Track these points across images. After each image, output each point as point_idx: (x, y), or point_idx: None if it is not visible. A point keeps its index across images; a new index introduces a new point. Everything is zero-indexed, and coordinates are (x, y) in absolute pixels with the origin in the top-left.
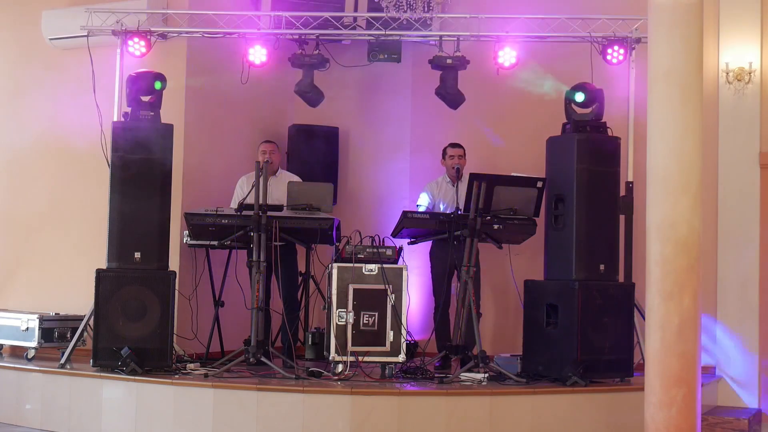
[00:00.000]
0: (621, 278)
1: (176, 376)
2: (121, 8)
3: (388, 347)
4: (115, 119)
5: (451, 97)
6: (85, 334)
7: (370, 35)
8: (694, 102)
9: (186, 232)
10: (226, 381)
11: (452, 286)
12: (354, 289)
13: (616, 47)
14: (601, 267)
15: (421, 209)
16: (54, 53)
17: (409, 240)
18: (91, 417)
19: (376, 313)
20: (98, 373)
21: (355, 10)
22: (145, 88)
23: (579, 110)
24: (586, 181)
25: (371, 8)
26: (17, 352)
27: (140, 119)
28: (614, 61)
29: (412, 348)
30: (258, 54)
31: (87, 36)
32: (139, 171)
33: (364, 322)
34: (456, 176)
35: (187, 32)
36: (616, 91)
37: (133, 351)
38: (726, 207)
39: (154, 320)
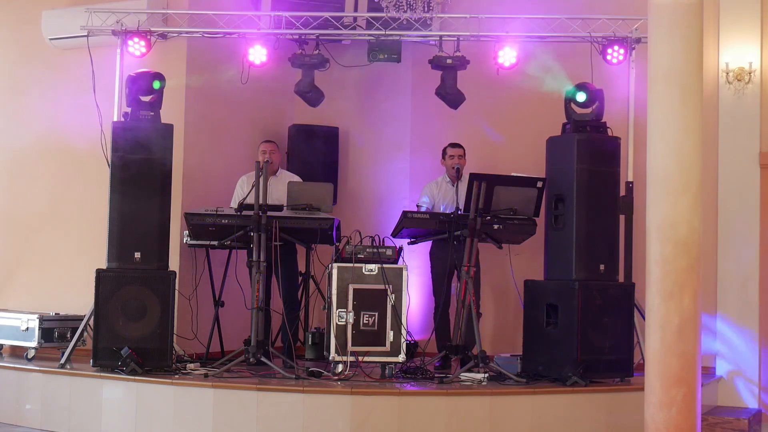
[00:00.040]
0: (621, 278)
1: (176, 376)
2: (121, 8)
3: (388, 347)
4: (115, 119)
5: (451, 97)
6: (85, 334)
7: (370, 35)
8: (694, 102)
9: (186, 232)
10: (226, 381)
11: (452, 286)
12: (354, 289)
13: (616, 47)
14: (601, 267)
15: (422, 209)
16: (54, 53)
17: (409, 240)
18: (91, 417)
19: (376, 313)
20: (98, 373)
21: (355, 10)
22: (145, 88)
23: (579, 110)
24: (586, 181)
25: (371, 8)
26: (17, 352)
27: (140, 119)
28: (614, 61)
29: (412, 348)
30: (258, 54)
31: (87, 36)
32: (139, 171)
33: (364, 322)
34: (456, 176)
35: (187, 32)
36: (616, 91)
37: (133, 351)
38: (726, 207)
39: (154, 320)
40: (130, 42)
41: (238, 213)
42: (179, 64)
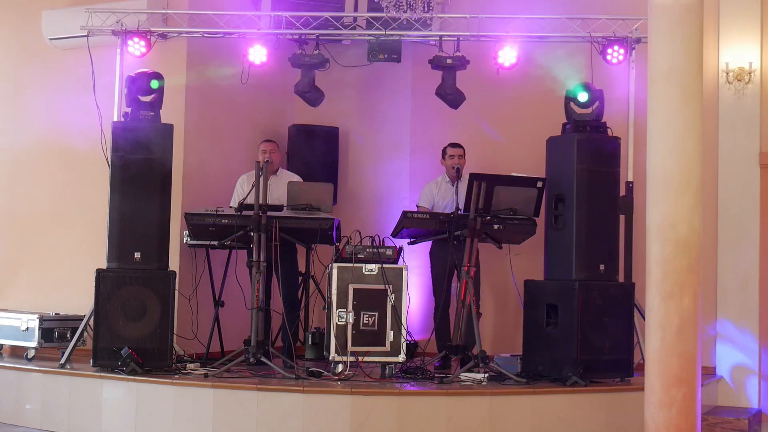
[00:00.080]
0: (621, 278)
1: (176, 376)
2: (121, 8)
3: (388, 347)
4: (115, 119)
5: (451, 97)
6: (85, 334)
7: (370, 35)
8: (694, 102)
9: (186, 232)
10: (226, 381)
11: (452, 286)
12: (354, 289)
13: (616, 47)
14: (601, 267)
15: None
16: (54, 53)
17: (409, 240)
18: (91, 417)
19: (376, 313)
20: (98, 373)
21: (355, 10)
22: (144, 88)
23: (579, 110)
24: (586, 181)
25: (371, 8)
26: (17, 352)
27: (140, 119)
28: (614, 61)
29: (412, 348)
30: (258, 54)
31: (87, 36)
32: (139, 171)
33: (364, 322)
34: (456, 176)
35: (187, 32)
36: (616, 91)
37: (133, 351)
38: (726, 207)
39: (154, 320)
40: (130, 42)
41: (238, 213)
42: (179, 64)
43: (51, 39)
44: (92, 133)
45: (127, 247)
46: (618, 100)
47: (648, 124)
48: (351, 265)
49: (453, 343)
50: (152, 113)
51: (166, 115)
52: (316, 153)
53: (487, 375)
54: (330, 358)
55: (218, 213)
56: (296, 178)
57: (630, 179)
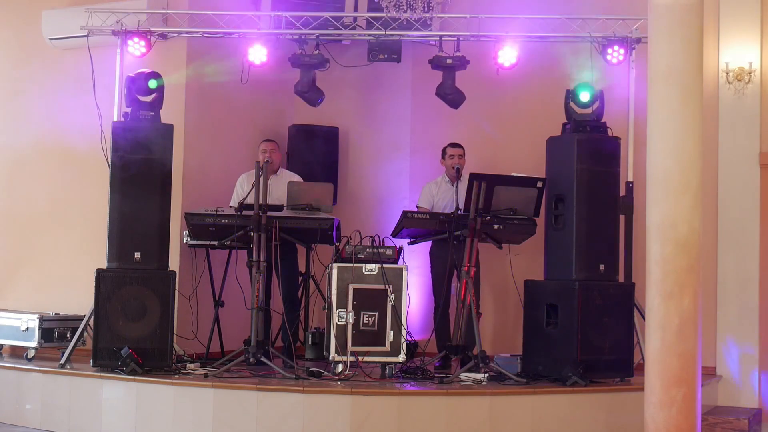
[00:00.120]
0: (621, 278)
1: (176, 376)
2: (121, 8)
3: (388, 347)
4: (115, 119)
5: (451, 96)
6: (85, 334)
7: (370, 35)
8: (694, 102)
9: (186, 232)
10: (226, 381)
11: (452, 286)
12: (354, 289)
13: (616, 47)
14: (601, 267)
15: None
16: (54, 53)
17: (409, 240)
18: (91, 417)
19: (376, 313)
20: (98, 373)
21: (355, 10)
22: (143, 88)
23: (579, 110)
24: (586, 181)
25: (371, 8)
26: (17, 352)
27: (140, 119)
28: (614, 61)
29: (412, 348)
30: (258, 54)
31: (87, 36)
32: (139, 171)
33: (364, 322)
34: (456, 176)
35: (187, 32)
36: (616, 91)
37: (133, 351)
38: (726, 207)
39: (154, 320)
40: (130, 42)
41: (238, 213)
42: (179, 64)
43: (51, 39)
44: (92, 133)
45: (127, 247)
46: (618, 100)
47: (648, 124)
48: (351, 265)
49: (453, 343)
50: (152, 113)
51: (166, 115)
52: (316, 153)
53: (487, 375)
54: (330, 358)
55: (218, 213)
56: (296, 177)
57: (630, 179)
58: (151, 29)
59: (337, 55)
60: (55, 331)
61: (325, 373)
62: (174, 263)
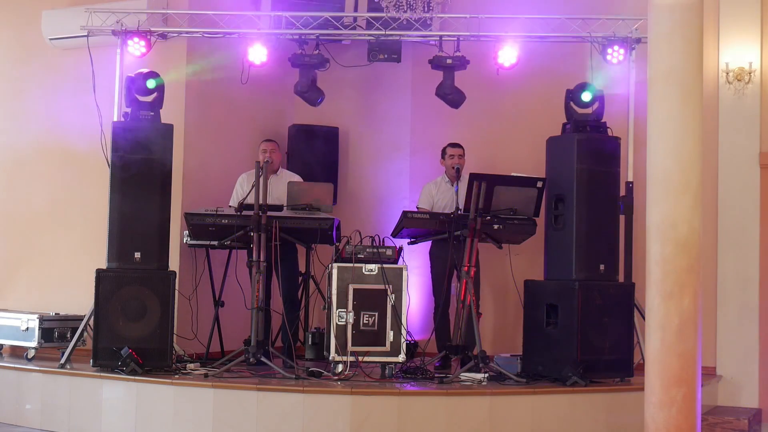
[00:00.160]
0: (621, 278)
1: (176, 376)
2: (121, 8)
3: (388, 347)
4: (115, 119)
5: (451, 96)
6: (85, 334)
7: (370, 35)
8: (694, 102)
9: (186, 232)
10: (226, 381)
11: (452, 286)
12: (354, 289)
13: (616, 47)
14: (601, 267)
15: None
16: (54, 53)
17: (409, 240)
18: (91, 417)
19: (376, 313)
20: (98, 373)
21: (355, 10)
22: (142, 88)
23: (580, 110)
24: (586, 181)
25: (371, 8)
26: (17, 352)
27: (140, 119)
28: (614, 61)
29: (412, 348)
30: (258, 54)
31: (87, 36)
32: (139, 171)
33: (364, 322)
34: (456, 176)
35: (187, 32)
36: (616, 91)
37: (133, 351)
38: (726, 207)
39: (154, 320)
40: (130, 42)
41: (238, 213)
42: (179, 64)
43: (51, 39)
44: (92, 133)
45: (127, 247)
46: (618, 100)
47: (648, 124)
48: (351, 265)
49: (453, 343)
50: (152, 113)
51: (166, 115)
52: (316, 153)
53: (487, 375)
54: (330, 358)
55: (218, 213)
56: (296, 177)
57: (630, 179)
58: (151, 29)
59: (337, 55)
60: (55, 331)
61: (325, 373)
62: (174, 263)
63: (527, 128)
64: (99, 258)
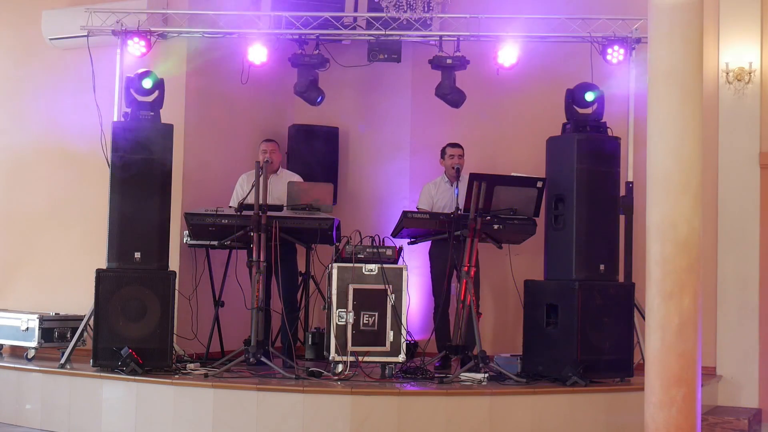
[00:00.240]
0: (621, 278)
1: (176, 376)
2: (121, 8)
3: (388, 347)
4: (115, 119)
5: (451, 96)
6: (85, 334)
7: (370, 35)
8: (694, 102)
9: (186, 232)
10: (226, 381)
11: (452, 286)
12: (354, 289)
13: (616, 47)
14: (601, 267)
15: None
16: (54, 53)
17: (409, 240)
18: (91, 417)
19: (376, 313)
20: (98, 373)
21: (355, 10)
22: (141, 89)
23: (581, 110)
24: (586, 181)
25: (371, 8)
26: (17, 352)
27: (140, 119)
28: (614, 61)
29: (412, 348)
30: (258, 54)
31: (87, 36)
32: (139, 171)
33: (364, 322)
34: (455, 176)
35: (187, 32)
36: (616, 91)
37: (133, 351)
38: (726, 207)
39: (154, 320)
40: (130, 42)
41: (238, 213)
42: (179, 64)
43: (51, 39)
44: (92, 133)
45: (127, 247)
46: (618, 100)
47: (648, 124)
48: (351, 265)
49: (453, 343)
50: (152, 113)
51: (166, 115)
52: (316, 153)
53: (487, 375)
54: (330, 358)
55: (218, 213)
56: (296, 177)
57: (630, 179)
58: (151, 29)
59: (337, 55)
60: (55, 331)
61: (325, 373)
62: (174, 263)
63: (527, 128)
64: (99, 258)
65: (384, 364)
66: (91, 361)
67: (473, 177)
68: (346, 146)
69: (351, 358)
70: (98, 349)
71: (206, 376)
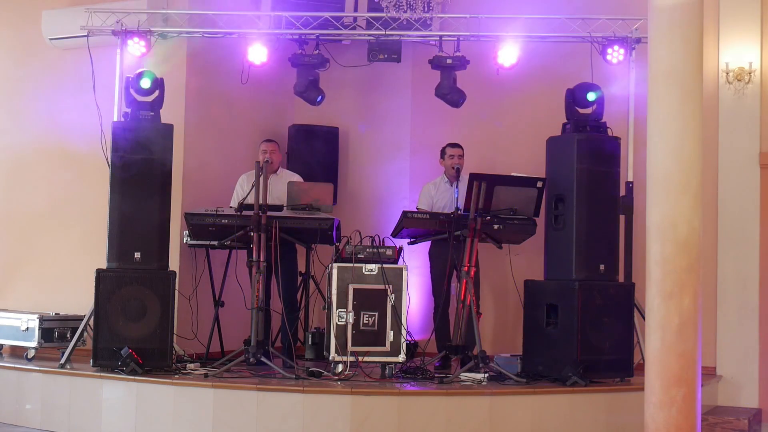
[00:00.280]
0: (621, 278)
1: (176, 376)
2: (121, 8)
3: (388, 347)
4: (115, 119)
5: (451, 96)
6: (85, 334)
7: (370, 35)
8: (694, 102)
9: (186, 232)
10: (226, 381)
11: (452, 286)
12: (354, 289)
13: (616, 47)
14: (601, 267)
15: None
16: (54, 53)
17: (409, 240)
18: (91, 417)
19: (376, 313)
20: (98, 373)
21: (355, 10)
22: (140, 89)
23: (581, 110)
24: (586, 181)
25: (371, 8)
26: (17, 352)
27: (140, 119)
28: (614, 61)
29: (412, 348)
30: (258, 54)
31: (87, 36)
32: (139, 171)
33: (364, 322)
34: (455, 176)
35: (187, 32)
36: (616, 91)
37: (133, 351)
38: (726, 207)
39: (154, 320)
40: (130, 42)
41: (238, 213)
42: (179, 64)
43: (51, 39)
44: (92, 133)
45: (127, 247)
46: (618, 100)
47: (648, 124)
48: (351, 265)
49: (453, 343)
50: (152, 113)
51: (166, 115)
52: (316, 153)
53: (487, 375)
54: (330, 358)
55: (218, 213)
56: (296, 177)
57: (630, 179)
58: (151, 29)
59: (337, 55)
60: (55, 331)
61: (325, 373)
62: (174, 263)
63: (527, 128)
64: (99, 258)
65: (384, 364)
66: (91, 361)
67: (473, 177)
68: (346, 146)
69: (351, 358)
70: (98, 349)
71: (206, 376)
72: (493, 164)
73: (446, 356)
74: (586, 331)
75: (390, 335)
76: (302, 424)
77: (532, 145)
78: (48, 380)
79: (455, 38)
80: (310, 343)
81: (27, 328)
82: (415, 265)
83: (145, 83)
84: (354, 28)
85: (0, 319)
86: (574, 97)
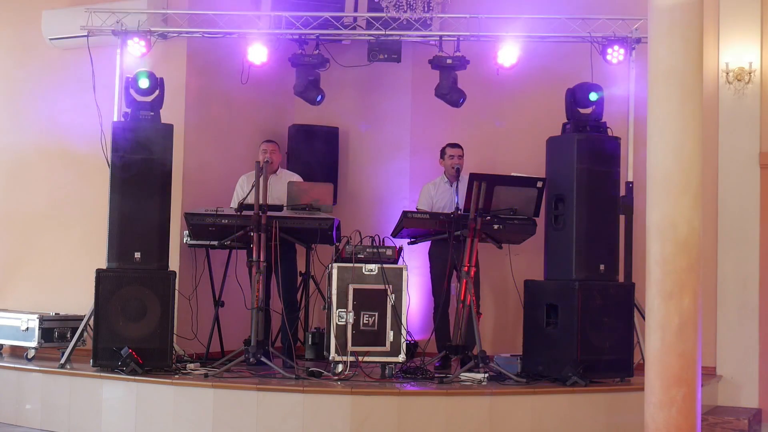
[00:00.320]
0: (621, 278)
1: (176, 376)
2: (121, 8)
3: (388, 347)
4: (115, 119)
5: (450, 96)
6: (85, 334)
7: (370, 35)
8: (694, 102)
9: (186, 232)
10: (226, 381)
11: (452, 286)
12: (354, 289)
13: (616, 47)
14: (601, 267)
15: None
16: (54, 53)
17: (409, 240)
18: (91, 417)
19: (376, 313)
20: (98, 373)
21: (355, 10)
22: (140, 89)
23: (582, 110)
24: (586, 181)
25: (371, 8)
26: (17, 352)
27: (140, 119)
28: (614, 61)
29: (412, 348)
30: (258, 54)
31: (87, 36)
32: (139, 171)
33: (364, 322)
34: (455, 176)
35: (187, 32)
36: (616, 91)
37: (133, 351)
38: (726, 207)
39: (154, 320)
40: (130, 42)
41: (238, 213)
42: (179, 64)
43: (51, 39)
44: (92, 133)
45: (127, 247)
46: (618, 100)
47: (648, 124)
48: (351, 265)
49: (453, 343)
50: (152, 113)
51: (166, 115)
52: (316, 153)
53: (487, 375)
54: (330, 358)
55: (218, 213)
56: (296, 177)
57: (630, 179)
58: (151, 29)
59: (337, 55)
60: (55, 331)
61: (325, 373)
62: (174, 263)
63: (527, 128)
64: (99, 258)
65: (384, 364)
66: (91, 361)
67: (473, 177)
68: (346, 146)
69: (351, 358)
70: (98, 349)
71: (206, 376)
72: (493, 164)
73: (446, 356)
74: (586, 331)
75: (390, 335)
76: (302, 424)
77: (532, 145)
78: (48, 380)
79: (455, 38)
80: (310, 343)
81: (27, 328)
82: (415, 265)
83: (144, 83)
84: (354, 28)
85: (0, 319)
86: (575, 97)
